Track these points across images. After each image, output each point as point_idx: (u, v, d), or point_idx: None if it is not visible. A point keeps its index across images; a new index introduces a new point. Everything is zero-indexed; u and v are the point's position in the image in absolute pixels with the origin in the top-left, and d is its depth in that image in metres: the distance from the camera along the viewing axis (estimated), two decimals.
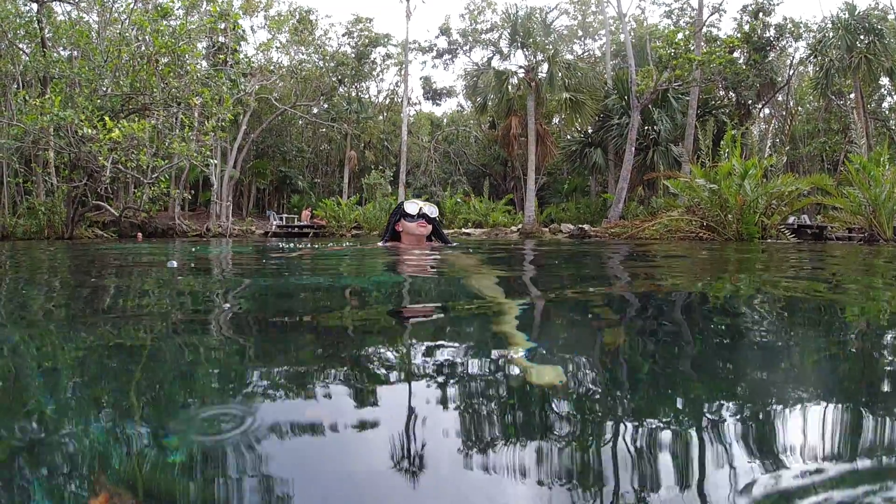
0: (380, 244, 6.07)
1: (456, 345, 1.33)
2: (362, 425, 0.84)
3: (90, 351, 1.37)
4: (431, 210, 5.72)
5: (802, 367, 1.24)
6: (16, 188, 21.40)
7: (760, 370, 1.17)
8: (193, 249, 8.83)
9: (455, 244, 6.57)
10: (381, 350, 1.31)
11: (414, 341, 1.41)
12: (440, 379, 1.05)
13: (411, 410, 0.91)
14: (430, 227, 5.71)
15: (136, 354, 1.32)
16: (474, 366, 1.15)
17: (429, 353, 1.26)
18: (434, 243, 5.79)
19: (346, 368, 1.14)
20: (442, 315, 1.76)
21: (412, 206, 5.68)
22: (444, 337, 1.48)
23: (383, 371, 1.14)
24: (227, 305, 2.03)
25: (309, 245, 8.56)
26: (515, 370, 1.09)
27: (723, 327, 1.67)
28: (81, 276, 4.03)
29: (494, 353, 1.25)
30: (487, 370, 1.11)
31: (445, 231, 7.23)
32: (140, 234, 21.41)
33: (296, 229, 30.32)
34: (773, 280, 3.06)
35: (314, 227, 30.25)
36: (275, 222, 31.41)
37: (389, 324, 1.68)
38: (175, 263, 4.35)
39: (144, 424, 0.85)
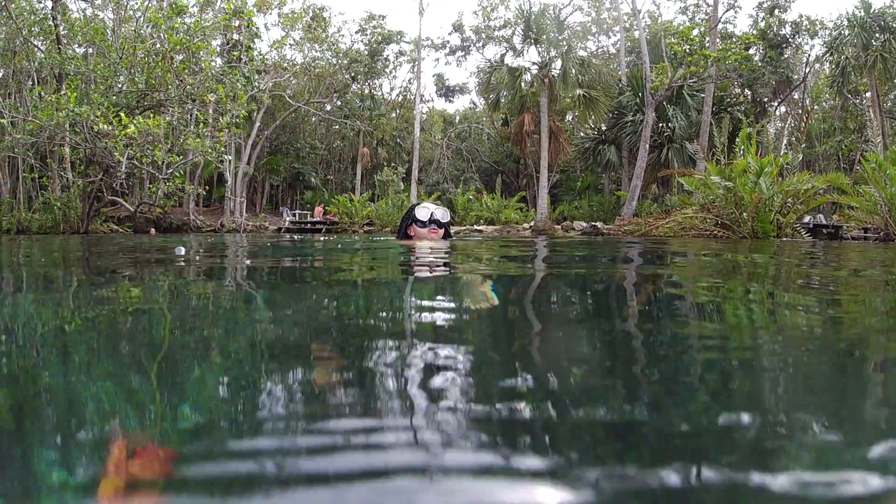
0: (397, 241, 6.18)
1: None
2: None
3: None
4: (443, 215, 5.81)
5: None
6: (31, 183, 21.62)
7: None
8: (210, 240, 8.91)
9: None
10: None
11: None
12: None
13: None
14: (441, 232, 5.81)
15: None
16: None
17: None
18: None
19: None
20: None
21: (423, 212, 5.74)
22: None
23: None
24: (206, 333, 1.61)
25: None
26: None
27: None
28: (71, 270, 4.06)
29: None
30: None
31: (457, 227, 7.37)
32: (153, 230, 21.53)
33: (308, 225, 30.46)
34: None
35: (327, 223, 30.37)
36: (288, 218, 31.55)
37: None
38: (182, 250, 4.85)
39: None
